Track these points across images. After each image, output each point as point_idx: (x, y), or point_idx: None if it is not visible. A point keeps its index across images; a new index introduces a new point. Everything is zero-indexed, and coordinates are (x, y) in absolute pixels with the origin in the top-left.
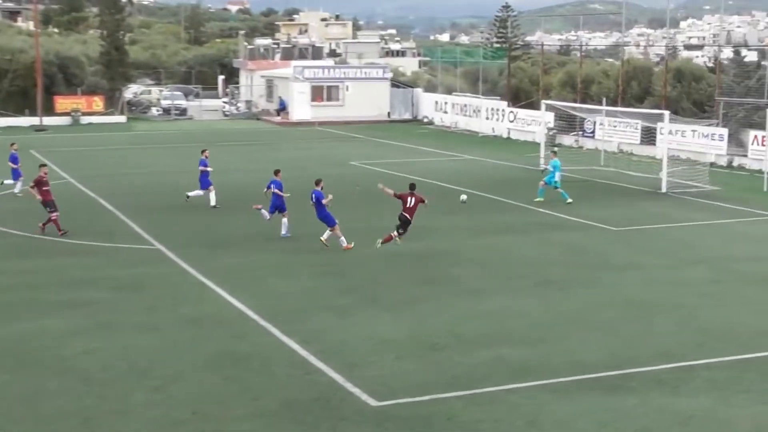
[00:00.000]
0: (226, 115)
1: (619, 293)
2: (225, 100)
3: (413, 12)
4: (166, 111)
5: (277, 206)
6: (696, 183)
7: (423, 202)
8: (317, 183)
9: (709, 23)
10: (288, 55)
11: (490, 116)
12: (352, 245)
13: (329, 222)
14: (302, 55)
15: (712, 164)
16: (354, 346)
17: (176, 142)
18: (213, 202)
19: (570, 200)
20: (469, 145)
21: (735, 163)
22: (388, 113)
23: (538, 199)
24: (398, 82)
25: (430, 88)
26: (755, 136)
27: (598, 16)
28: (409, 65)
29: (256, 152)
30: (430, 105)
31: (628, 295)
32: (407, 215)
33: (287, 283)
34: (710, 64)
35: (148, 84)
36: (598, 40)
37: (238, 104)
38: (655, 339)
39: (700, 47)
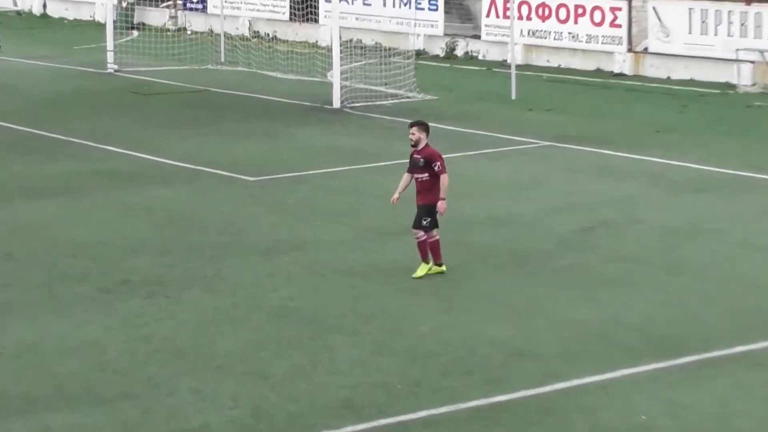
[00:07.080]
0: None
1: (267, 298)
2: None
3: None
4: None
5: None
6: (394, 89)
7: None
8: None
9: None
10: None
11: None
12: None
13: None
14: None
15: (419, 54)
16: None
17: None
18: None
19: None
20: None
21: (460, 51)
22: None
23: None
24: None
25: None
26: (492, 3)
27: None
28: None
29: None
30: None
31: (280, 300)
32: None
33: None
34: None
35: None
36: None
37: None
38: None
39: None
